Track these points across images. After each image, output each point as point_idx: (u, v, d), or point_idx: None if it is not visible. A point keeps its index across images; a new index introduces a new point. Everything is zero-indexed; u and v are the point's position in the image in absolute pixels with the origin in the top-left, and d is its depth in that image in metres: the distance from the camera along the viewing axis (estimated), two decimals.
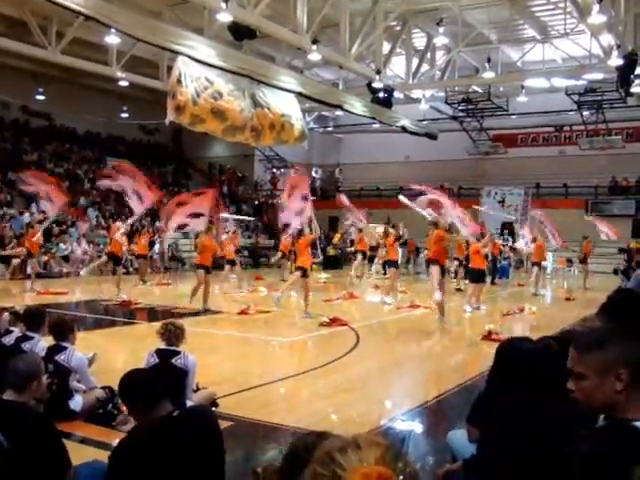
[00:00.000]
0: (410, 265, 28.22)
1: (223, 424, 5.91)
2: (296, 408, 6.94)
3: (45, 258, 21.70)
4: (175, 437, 3.15)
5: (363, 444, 1.50)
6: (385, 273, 23.44)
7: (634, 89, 21.06)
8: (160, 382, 3.51)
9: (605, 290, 13.19)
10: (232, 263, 19.42)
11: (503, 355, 3.52)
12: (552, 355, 3.05)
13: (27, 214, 23.85)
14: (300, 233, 15.23)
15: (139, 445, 3.20)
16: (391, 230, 18.16)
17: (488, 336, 10.87)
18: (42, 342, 6.15)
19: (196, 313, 13.58)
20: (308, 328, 12.18)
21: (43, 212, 24.41)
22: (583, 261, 21.83)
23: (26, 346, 6.06)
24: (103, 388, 6.11)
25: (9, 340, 6.32)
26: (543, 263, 20.47)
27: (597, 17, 15.25)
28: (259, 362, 9.47)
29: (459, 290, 18.86)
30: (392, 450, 1.50)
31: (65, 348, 5.78)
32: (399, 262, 17.87)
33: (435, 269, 12.81)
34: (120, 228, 17.37)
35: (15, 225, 22.08)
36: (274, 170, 38.00)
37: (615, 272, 25.20)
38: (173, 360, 5.65)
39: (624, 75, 19.28)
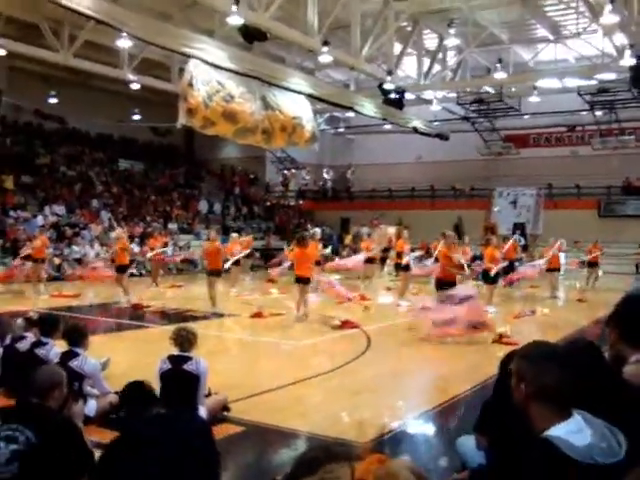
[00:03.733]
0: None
1: (235, 429, 5.98)
2: (308, 412, 6.95)
3: (58, 261, 21.80)
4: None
5: None
6: (397, 275, 23.39)
7: None
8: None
9: (618, 291, 13.09)
10: (237, 263, 19.49)
11: (508, 364, 3.50)
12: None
13: (40, 217, 24.00)
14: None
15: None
16: (405, 233, 18.10)
17: (499, 339, 10.87)
18: (56, 348, 6.20)
19: (206, 316, 13.64)
20: (320, 331, 12.19)
21: (57, 215, 24.64)
22: (591, 265, 21.53)
23: (40, 352, 6.12)
24: (117, 393, 6.15)
25: (23, 346, 6.38)
26: None
27: (609, 17, 15.20)
28: (271, 366, 9.49)
29: None
30: None
31: (78, 354, 5.82)
32: (411, 264, 17.78)
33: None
34: (122, 235, 17.02)
35: (29, 228, 22.17)
36: (285, 171, 38.05)
37: (637, 268, 25.20)
38: (185, 366, 5.68)
39: (637, 75, 19.18)
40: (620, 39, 17.80)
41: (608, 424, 2.33)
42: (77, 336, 5.94)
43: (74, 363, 5.70)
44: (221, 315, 13.91)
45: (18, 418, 3.51)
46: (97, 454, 3.87)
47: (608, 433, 2.27)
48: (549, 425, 2.28)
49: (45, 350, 6.15)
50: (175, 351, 5.84)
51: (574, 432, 2.23)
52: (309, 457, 2.05)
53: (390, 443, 5.81)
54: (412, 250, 17.59)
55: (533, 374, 2.39)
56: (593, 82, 26.68)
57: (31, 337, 6.55)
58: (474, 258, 18.60)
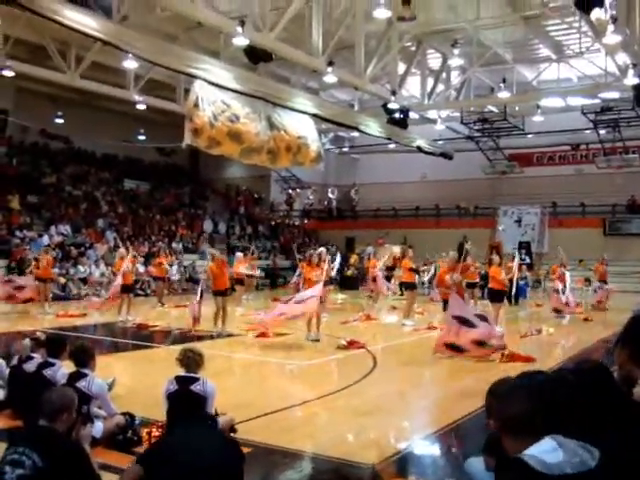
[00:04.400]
0: (426, 286, 28.05)
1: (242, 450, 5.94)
2: (316, 433, 6.92)
3: (63, 280, 21.84)
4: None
5: None
6: (402, 294, 23.38)
7: None
8: None
9: (625, 310, 13.01)
10: (241, 283, 19.53)
11: None
12: (567, 388, 2.97)
13: (46, 236, 24.07)
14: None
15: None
16: (410, 251, 18.07)
17: (505, 358, 10.86)
18: (63, 369, 6.20)
19: (212, 336, 13.62)
20: (325, 351, 12.15)
21: (62, 234, 24.70)
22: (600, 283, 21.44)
23: (47, 372, 6.12)
24: (123, 414, 6.14)
25: (30, 366, 6.38)
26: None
27: (612, 37, 15.22)
28: (277, 386, 9.47)
29: None
30: None
31: (86, 375, 5.82)
32: (416, 283, 17.77)
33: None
34: (125, 256, 17.25)
35: (35, 247, 22.22)
36: (290, 191, 38.16)
37: None
38: (192, 387, 5.67)
39: None
40: (623, 58, 17.83)
41: (582, 443, 2.36)
42: (84, 357, 5.94)
43: (81, 384, 5.69)
44: (226, 335, 13.89)
45: (25, 441, 3.51)
46: (104, 477, 3.89)
47: (580, 450, 2.32)
48: (521, 450, 2.35)
49: (52, 371, 6.15)
50: (182, 372, 5.84)
51: (547, 451, 2.29)
52: None
53: (399, 464, 5.79)
54: (417, 271, 17.52)
55: (498, 409, 2.53)
56: (596, 101, 26.80)
57: (38, 358, 6.55)
58: (481, 277, 18.56)
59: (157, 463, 3.46)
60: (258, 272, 19.29)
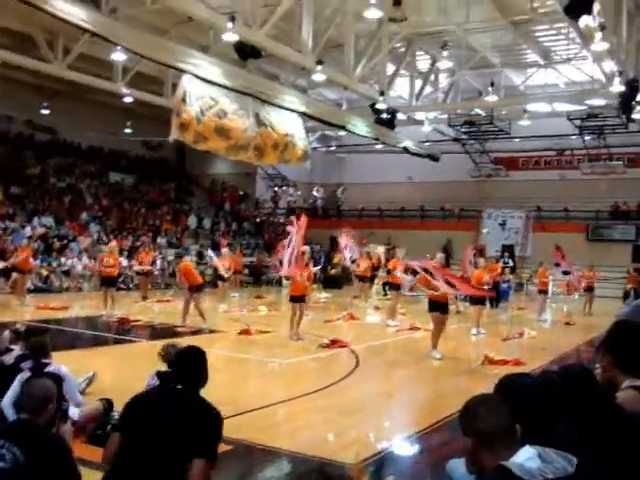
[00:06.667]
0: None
1: (223, 447, 5.90)
2: (295, 432, 6.90)
3: (45, 273, 21.67)
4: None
5: None
6: (385, 294, 23.42)
7: (635, 115, 21.15)
8: None
9: (606, 314, 13.11)
10: (222, 279, 19.42)
11: (500, 392, 3.45)
12: (552, 391, 2.97)
13: (28, 228, 23.87)
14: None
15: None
16: (398, 252, 18.13)
17: (487, 361, 10.91)
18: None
19: (195, 332, 13.58)
20: (308, 349, 12.14)
21: (45, 226, 24.51)
22: (586, 290, 21.61)
23: (26, 365, 6.05)
24: (101, 400, 6.18)
25: (9, 359, 6.30)
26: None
27: (600, 44, 15.35)
28: (259, 384, 9.45)
29: (458, 312, 18.74)
30: None
31: (49, 363, 5.85)
32: (401, 285, 17.78)
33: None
34: (115, 250, 17.49)
35: (16, 238, 22.01)
36: (276, 188, 38.09)
37: (626, 296, 24.99)
38: None
39: (626, 101, 19.40)
40: (610, 66, 17.97)
41: (559, 451, 2.38)
42: (44, 350, 5.98)
43: (50, 368, 5.71)
44: (209, 331, 13.85)
45: (6, 435, 3.45)
46: (83, 472, 3.84)
47: (559, 458, 2.35)
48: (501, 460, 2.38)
49: (30, 364, 6.09)
50: (163, 367, 5.80)
51: (528, 459, 2.33)
52: None
53: (379, 465, 5.79)
54: (406, 271, 17.51)
55: (469, 426, 2.50)
56: (583, 107, 26.92)
57: (17, 350, 6.47)
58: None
59: (134, 424, 3.53)
60: (229, 273, 19.16)
